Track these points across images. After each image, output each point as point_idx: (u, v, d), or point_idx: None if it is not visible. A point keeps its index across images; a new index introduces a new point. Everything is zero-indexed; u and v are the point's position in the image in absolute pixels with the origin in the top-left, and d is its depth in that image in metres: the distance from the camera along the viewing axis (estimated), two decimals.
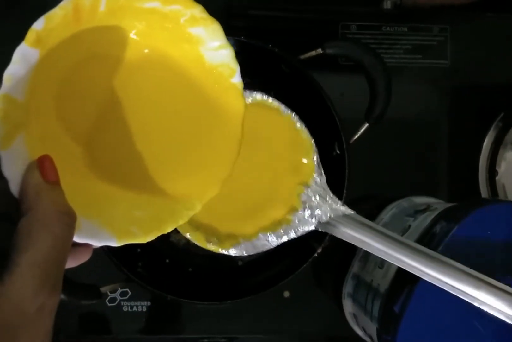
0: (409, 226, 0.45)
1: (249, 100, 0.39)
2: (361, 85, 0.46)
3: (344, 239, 0.35)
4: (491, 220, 0.38)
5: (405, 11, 0.60)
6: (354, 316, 0.50)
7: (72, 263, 0.29)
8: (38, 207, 0.23)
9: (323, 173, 0.39)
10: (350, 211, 0.37)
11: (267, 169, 0.39)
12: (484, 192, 0.56)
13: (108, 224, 0.28)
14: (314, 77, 0.46)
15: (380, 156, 0.57)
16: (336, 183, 0.45)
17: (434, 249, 0.37)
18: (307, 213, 0.37)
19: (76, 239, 0.26)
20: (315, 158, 0.39)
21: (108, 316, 0.54)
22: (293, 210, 0.37)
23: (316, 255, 0.45)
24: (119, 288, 0.53)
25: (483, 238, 0.38)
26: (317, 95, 0.46)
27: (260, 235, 0.37)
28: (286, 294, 0.55)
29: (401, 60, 0.58)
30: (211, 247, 0.36)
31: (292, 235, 0.37)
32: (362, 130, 0.47)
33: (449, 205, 0.45)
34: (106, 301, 0.53)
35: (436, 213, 0.43)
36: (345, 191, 0.45)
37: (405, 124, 0.58)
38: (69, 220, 0.24)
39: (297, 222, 0.37)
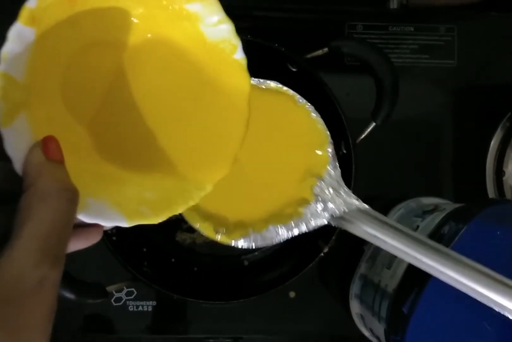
0: (417, 226, 0.44)
1: (263, 87, 0.38)
2: (367, 85, 0.46)
3: (358, 235, 0.34)
4: (500, 220, 0.38)
5: (412, 11, 0.60)
6: (361, 317, 0.50)
7: (82, 243, 0.29)
8: (38, 183, 0.23)
9: (338, 165, 0.37)
10: (365, 206, 0.35)
11: (280, 158, 0.38)
12: (491, 192, 0.56)
13: (118, 205, 0.28)
14: (321, 76, 0.46)
15: (386, 156, 0.57)
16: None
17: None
18: (320, 206, 0.36)
19: (84, 218, 0.26)
20: (330, 150, 0.38)
21: (114, 316, 0.54)
22: (305, 202, 0.36)
23: (322, 254, 0.44)
24: (124, 288, 0.53)
25: (492, 238, 0.37)
26: (323, 95, 0.45)
27: (270, 227, 0.35)
28: (292, 294, 0.55)
29: (408, 60, 0.58)
30: (220, 238, 0.35)
31: (304, 228, 0.35)
32: (369, 130, 0.47)
33: (457, 205, 0.45)
34: (112, 300, 0.53)
35: (445, 213, 0.42)
36: (351, 190, 0.44)
37: (412, 124, 0.57)
38: (69, 195, 0.24)
39: (309, 215, 0.35)
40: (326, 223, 0.35)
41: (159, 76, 0.32)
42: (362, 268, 0.49)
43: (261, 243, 0.35)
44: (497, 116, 0.57)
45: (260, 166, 0.37)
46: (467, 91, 0.58)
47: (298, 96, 0.38)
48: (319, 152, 0.38)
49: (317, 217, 0.35)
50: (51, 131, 0.26)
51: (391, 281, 0.39)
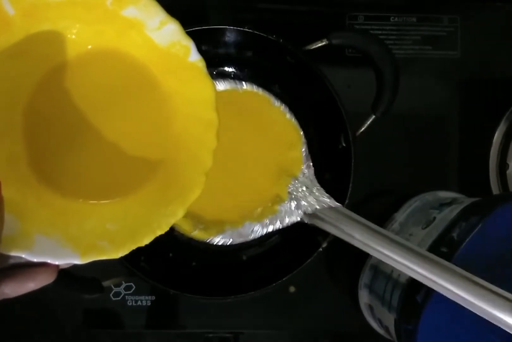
0: (434, 217, 0.44)
1: (239, 90, 0.38)
2: (369, 77, 0.45)
3: (329, 231, 0.36)
4: None
5: (414, 1, 0.58)
6: (370, 307, 0.49)
7: (30, 284, 0.26)
8: None
9: (311, 164, 0.39)
10: (336, 204, 0.37)
11: (256, 158, 0.39)
12: (494, 185, 0.55)
13: (73, 240, 0.26)
14: (320, 68, 0.45)
15: (387, 150, 0.56)
16: (342, 176, 0.44)
17: (461, 241, 0.37)
18: (293, 204, 0.37)
19: (28, 257, 0.25)
20: (303, 149, 0.40)
21: (113, 310, 0.54)
22: (280, 200, 0.38)
23: (321, 249, 0.44)
24: (123, 282, 0.53)
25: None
26: (322, 87, 0.45)
27: (246, 224, 0.38)
28: (292, 289, 0.54)
29: (410, 52, 0.57)
30: (197, 234, 0.36)
31: (278, 225, 0.37)
32: (368, 123, 0.46)
33: (476, 199, 0.44)
34: (111, 295, 0.53)
35: (463, 205, 0.42)
36: (350, 184, 0.44)
37: (413, 117, 0.57)
38: None
39: (283, 212, 0.37)
40: (299, 220, 0.37)
41: (114, 94, 0.30)
42: (374, 259, 0.49)
43: (237, 240, 0.37)
44: (500, 109, 0.56)
45: (237, 166, 0.38)
46: (470, 83, 0.57)
47: (273, 98, 0.40)
48: (294, 152, 0.39)
49: (291, 214, 0.37)
50: None
51: None
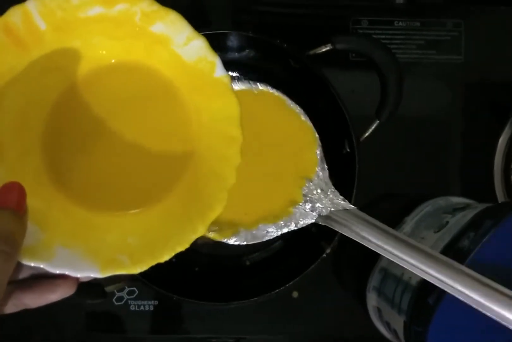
0: (447, 222, 0.44)
1: (255, 91, 0.38)
2: (373, 82, 0.45)
3: (344, 233, 0.36)
4: None
5: (418, 6, 0.58)
6: (378, 310, 0.49)
7: (50, 296, 0.27)
8: None
9: (326, 167, 0.39)
10: (350, 206, 0.37)
11: (271, 160, 0.39)
12: (499, 190, 0.55)
13: (94, 253, 0.26)
14: (323, 73, 0.45)
15: (391, 155, 0.56)
16: (346, 182, 0.44)
17: (475, 245, 0.37)
18: (308, 206, 0.37)
19: (48, 269, 0.25)
20: (318, 152, 0.39)
21: (115, 315, 0.54)
22: (295, 202, 0.38)
23: (325, 255, 0.44)
24: (126, 287, 0.53)
25: None
26: (326, 92, 0.45)
27: (260, 226, 0.37)
28: (295, 294, 0.54)
29: (414, 56, 0.57)
30: (212, 235, 0.36)
31: (293, 226, 0.37)
32: (373, 128, 0.46)
33: (489, 204, 0.45)
34: (113, 300, 0.53)
35: (477, 210, 0.42)
36: (354, 190, 0.44)
37: (417, 122, 0.56)
38: (4, 247, 0.22)
39: (298, 214, 0.37)
40: (314, 221, 0.37)
41: (137, 107, 0.30)
42: (384, 262, 0.49)
43: (251, 241, 0.37)
44: (505, 113, 0.56)
45: (251, 167, 0.38)
46: (474, 87, 0.57)
47: (289, 100, 0.40)
48: (308, 155, 0.39)
49: (306, 216, 0.37)
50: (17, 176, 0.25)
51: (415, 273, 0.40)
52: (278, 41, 0.45)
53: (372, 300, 0.50)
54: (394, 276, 0.45)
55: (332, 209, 0.37)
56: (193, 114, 0.30)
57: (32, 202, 0.25)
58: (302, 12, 0.58)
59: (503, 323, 0.30)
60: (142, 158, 0.30)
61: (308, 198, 0.38)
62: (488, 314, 0.31)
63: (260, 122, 0.38)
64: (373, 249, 0.34)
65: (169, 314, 0.54)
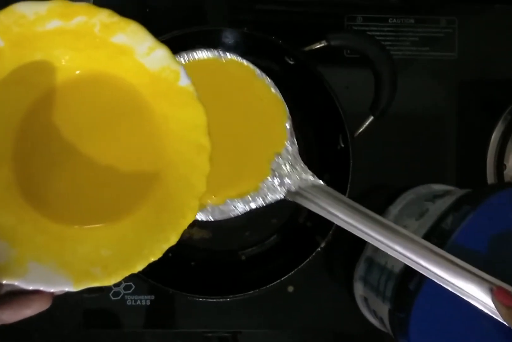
0: (427, 209, 0.44)
1: (223, 60, 0.37)
2: (368, 78, 0.46)
3: (313, 210, 0.35)
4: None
5: (412, 3, 0.59)
6: (365, 299, 0.50)
7: (26, 311, 0.26)
8: None
9: (295, 141, 0.38)
10: (319, 182, 0.36)
11: (239, 133, 0.37)
12: None
13: (67, 266, 0.26)
14: (318, 69, 0.45)
15: (385, 151, 0.56)
16: (340, 177, 0.45)
17: (453, 230, 0.37)
18: (276, 181, 0.37)
19: (22, 285, 0.25)
20: (288, 125, 0.38)
21: (112, 310, 0.54)
22: (263, 177, 0.37)
23: (319, 249, 0.44)
24: (122, 282, 0.53)
25: (504, 221, 0.37)
26: (321, 87, 0.45)
27: (228, 201, 0.36)
28: (290, 288, 0.54)
29: (408, 53, 0.57)
30: None
31: (260, 202, 0.36)
32: (367, 123, 0.46)
33: (469, 190, 0.45)
34: (110, 294, 0.53)
35: (457, 196, 0.42)
36: (349, 184, 0.44)
37: (411, 118, 0.57)
38: None
39: (265, 189, 0.36)
40: (282, 197, 0.36)
41: (104, 117, 0.30)
42: (369, 251, 0.49)
43: (219, 216, 0.36)
44: (498, 110, 0.56)
45: (219, 140, 0.37)
46: (467, 84, 0.58)
47: (259, 70, 0.38)
48: (277, 128, 0.38)
49: (274, 191, 0.36)
50: None
51: (397, 261, 0.40)
52: (274, 37, 0.45)
53: (359, 289, 0.50)
54: (378, 265, 0.46)
55: (301, 185, 0.36)
56: (161, 122, 0.30)
57: (1, 217, 0.26)
58: (297, 9, 0.58)
59: (475, 303, 0.31)
60: (113, 171, 0.30)
61: (276, 173, 0.37)
62: (457, 293, 0.31)
63: (228, 93, 0.37)
64: (342, 226, 0.34)
65: (166, 308, 0.54)
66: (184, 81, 0.28)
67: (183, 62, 0.37)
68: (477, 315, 0.32)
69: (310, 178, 0.36)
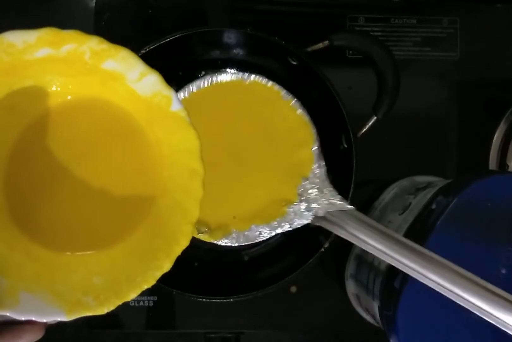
0: (410, 203, 0.44)
1: (247, 82, 0.36)
2: (370, 78, 0.45)
3: (340, 235, 0.34)
4: (491, 191, 0.36)
5: (414, 3, 0.59)
6: (357, 297, 0.50)
7: None
8: None
9: (323, 164, 0.37)
10: (348, 206, 0.35)
11: (264, 157, 0.37)
12: None
13: (58, 295, 0.26)
14: (321, 70, 0.45)
15: (388, 151, 0.56)
16: (344, 177, 0.44)
17: (434, 223, 0.35)
18: (303, 206, 0.35)
19: (13, 316, 0.25)
20: (315, 148, 0.37)
21: (115, 310, 0.53)
22: (289, 202, 0.36)
23: (323, 250, 0.44)
24: None
25: (484, 210, 0.36)
26: (324, 88, 0.45)
27: (253, 226, 0.35)
28: (293, 289, 0.54)
29: (410, 53, 0.58)
30: (202, 237, 0.35)
31: (287, 227, 0.35)
32: (370, 124, 0.46)
33: (449, 180, 0.44)
34: None
35: (437, 188, 0.42)
36: (352, 185, 0.44)
37: (414, 118, 0.57)
38: None
39: (292, 214, 0.35)
40: (309, 222, 0.35)
41: (97, 142, 0.30)
42: (357, 249, 0.49)
43: (244, 242, 0.35)
44: (500, 110, 0.56)
45: (243, 165, 0.35)
46: (469, 84, 0.58)
47: (284, 91, 0.38)
48: (305, 151, 0.37)
49: (301, 216, 0.35)
50: None
51: None
52: (276, 38, 0.45)
53: (350, 287, 0.50)
54: (366, 262, 0.45)
55: (329, 210, 0.35)
56: (154, 147, 0.30)
57: None
58: (299, 10, 0.58)
59: (461, 303, 0.30)
60: (105, 197, 0.30)
61: (303, 197, 0.35)
62: (444, 293, 0.30)
63: (251, 116, 0.36)
64: (372, 252, 0.33)
65: (168, 309, 0.54)
66: (176, 106, 0.28)
67: (207, 85, 0.36)
68: (463, 311, 0.31)
69: (338, 202, 0.35)
